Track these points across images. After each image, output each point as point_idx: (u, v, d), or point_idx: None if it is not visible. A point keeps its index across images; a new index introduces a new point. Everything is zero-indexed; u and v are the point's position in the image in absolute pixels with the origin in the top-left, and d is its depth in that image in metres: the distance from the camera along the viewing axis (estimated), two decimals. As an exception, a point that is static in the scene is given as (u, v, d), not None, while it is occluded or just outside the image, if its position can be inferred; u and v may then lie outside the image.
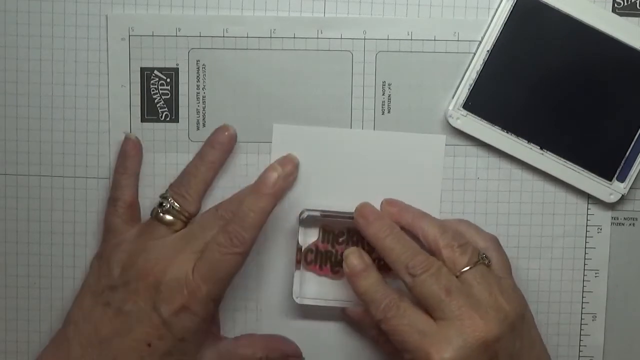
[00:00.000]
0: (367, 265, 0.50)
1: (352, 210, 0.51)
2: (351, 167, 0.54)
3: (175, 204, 0.52)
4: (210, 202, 0.53)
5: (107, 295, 0.50)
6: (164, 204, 0.51)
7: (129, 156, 0.53)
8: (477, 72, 0.52)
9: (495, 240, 0.52)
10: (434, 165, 0.54)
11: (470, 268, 0.48)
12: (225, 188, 0.53)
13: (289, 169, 0.53)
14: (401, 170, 0.54)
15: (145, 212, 0.53)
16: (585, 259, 0.55)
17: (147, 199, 0.54)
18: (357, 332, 0.55)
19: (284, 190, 0.53)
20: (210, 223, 0.50)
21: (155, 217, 0.52)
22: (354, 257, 0.50)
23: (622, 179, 0.53)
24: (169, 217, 0.51)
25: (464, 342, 0.46)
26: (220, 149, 0.53)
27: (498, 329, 0.47)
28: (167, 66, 0.53)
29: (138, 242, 0.51)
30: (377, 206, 0.53)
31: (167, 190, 0.52)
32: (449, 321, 0.47)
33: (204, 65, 0.53)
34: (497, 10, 0.52)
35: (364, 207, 0.51)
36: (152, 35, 0.53)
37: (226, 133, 0.53)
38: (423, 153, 0.54)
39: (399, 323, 0.48)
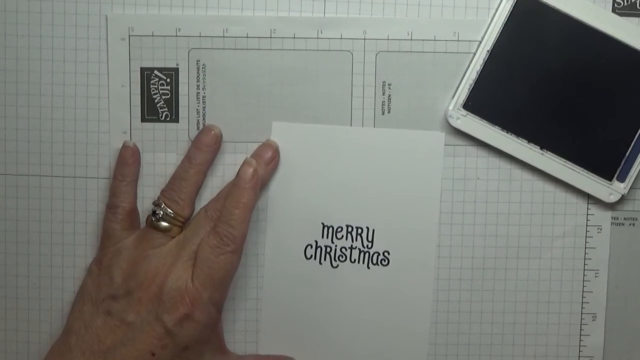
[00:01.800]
0: None
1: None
2: (350, 165, 0.54)
3: (169, 210, 0.51)
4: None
5: (108, 304, 0.50)
6: (157, 212, 0.51)
7: (127, 164, 0.53)
8: (477, 72, 0.52)
9: None
10: (433, 163, 0.54)
11: None
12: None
13: (270, 155, 0.53)
14: (401, 169, 0.54)
15: (145, 212, 0.53)
16: (585, 259, 0.55)
17: (148, 199, 0.54)
18: (359, 333, 0.55)
19: (265, 179, 0.53)
20: (202, 225, 0.50)
21: (150, 225, 0.52)
22: None
23: (622, 179, 0.53)
24: (164, 224, 0.51)
25: None
26: (207, 150, 0.53)
27: None
28: (167, 66, 0.53)
29: (138, 251, 0.51)
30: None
31: (159, 197, 0.52)
32: None
33: (204, 65, 0.53)
34: (497, 10, 0.52)
35: None
36: (152, 35, 0.53)
37: (212, 133, 0.53)
38: (422, 150, 0.54)
39: None
